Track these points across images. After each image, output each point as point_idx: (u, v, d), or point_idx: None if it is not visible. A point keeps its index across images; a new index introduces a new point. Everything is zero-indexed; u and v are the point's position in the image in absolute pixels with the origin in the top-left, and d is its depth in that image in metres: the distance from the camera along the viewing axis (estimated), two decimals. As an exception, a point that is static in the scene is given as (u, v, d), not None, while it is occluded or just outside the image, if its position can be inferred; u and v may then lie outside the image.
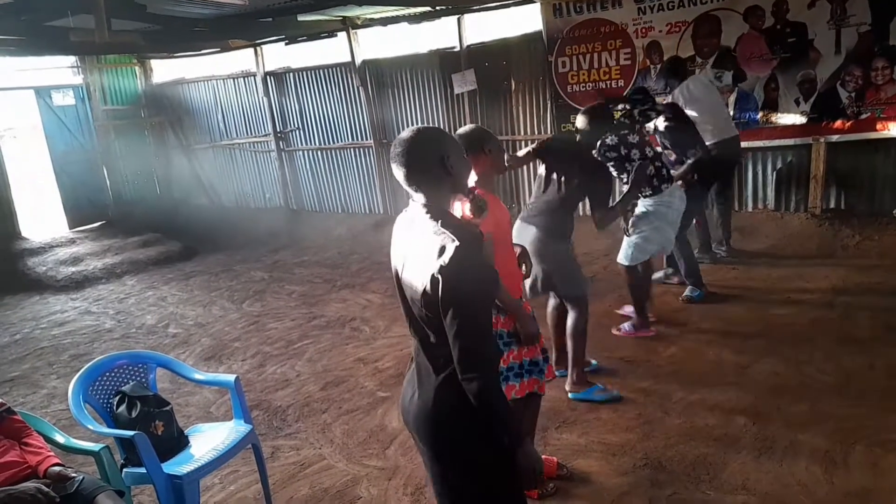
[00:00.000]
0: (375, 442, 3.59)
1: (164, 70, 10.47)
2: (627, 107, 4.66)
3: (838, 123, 5.65)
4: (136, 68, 10.28)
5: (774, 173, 6.15)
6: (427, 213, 1.79)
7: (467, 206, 1.93)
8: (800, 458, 2.98)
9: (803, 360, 3.86)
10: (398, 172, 1.82)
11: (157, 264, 8.25)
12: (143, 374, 3.20)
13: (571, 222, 3.62)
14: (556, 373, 3.70)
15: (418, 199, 1.84)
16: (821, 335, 4.16)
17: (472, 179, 2.68)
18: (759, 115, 5.95)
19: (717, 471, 2.97)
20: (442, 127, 7.76)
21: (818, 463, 2.93)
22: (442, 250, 1.67)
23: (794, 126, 5.85)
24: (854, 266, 5.20)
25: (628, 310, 4.65)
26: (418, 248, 1.77)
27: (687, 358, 4.11)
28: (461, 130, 2.80)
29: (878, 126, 5.48)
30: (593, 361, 4.04)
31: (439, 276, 1.65)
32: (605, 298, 5.17)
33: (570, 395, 3.74)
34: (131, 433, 2.69)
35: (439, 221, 1.74)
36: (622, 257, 4.36)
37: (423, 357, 1.85)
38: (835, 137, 5.71)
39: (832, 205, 5.96)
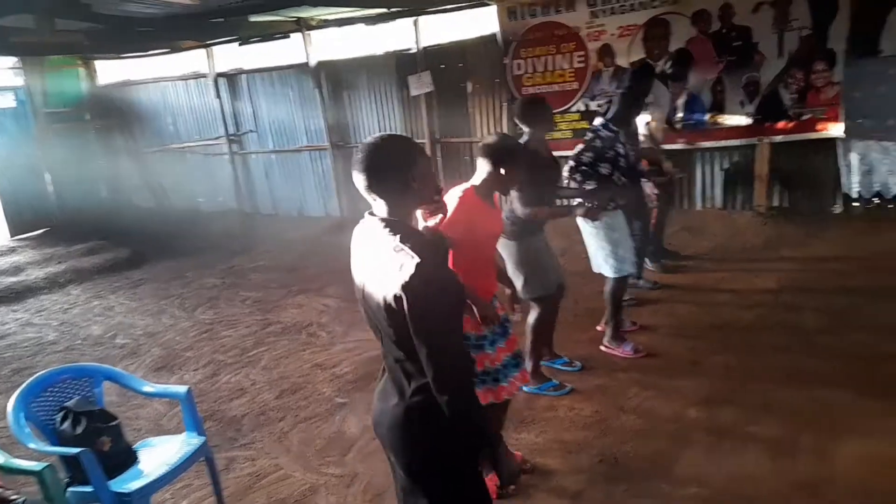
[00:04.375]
0: (334, 449, 3.54)
1: (110, 71, 10.16)
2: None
3: (781, 124, 5.85)
4: (80, 69, 9.95)
5: (722, 173, 6.33)
6: (386, 227, 1.73)
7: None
8: (749, 450, 3.07)
9: (751, 354, 3.97)
10: (359, 179, 1.76)
11: (104, 272, 7.96)
12: (88, 388, 3.09)
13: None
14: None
15: (378, 210, 1.80)
16: (768, 330, 4.29)
17: (473, 181, 2.71)
18: (707, 116, 6.11)
19: (671, 465, 3.03)
20: (399, 128, 7.83)
21: (767, 454, 3.02)
22: (405, 268, 1.62)
23: (739, 127, 6.03)
24: (798, 262, 5.38)
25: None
26: (379, 265, 1.72)
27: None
28: (486, 140, 2.82)
29: (819, 127, 5.70)
30: (577, 363, 4.08)
31: (402, 294, 1.62)
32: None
33: (523, 388, 3.74)
34: (76, 450, 2.60)
35: (398, 237, 1.69)
36: (611, 271, 4.10)
37: (392, 370, 1.83)
38: (778, 138, 5.91)
39: (776, 203, 6.17)
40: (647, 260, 5.52)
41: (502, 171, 2.77)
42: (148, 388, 3.21)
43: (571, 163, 4.05)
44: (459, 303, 1.80)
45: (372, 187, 1.76)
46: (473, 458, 1.87)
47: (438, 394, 1.67)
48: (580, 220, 4.12)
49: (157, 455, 2.92)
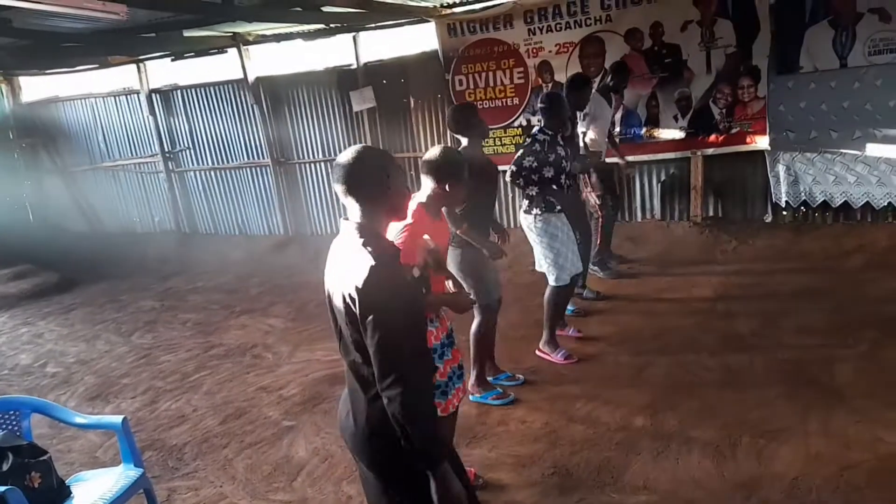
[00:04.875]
0: (281, 475, 3.44)
1: (35, 88, 9.72)
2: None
3: (712, 138, 6.10)
4: (2, 86, 9.49)
5: (659, 185, 6.54)
6: (356, 230, 1.81)
7: (427, 257, 1.95)
8: (693, 454, 3.15)
9: (692, 360, 4.10)
10: (338, 185, 1.84)
11: (32, 298, 7.57)
12: (15, 422, 2.94)
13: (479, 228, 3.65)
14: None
15: (352, 214, 1.85)
16: (706, 335, 4.44)
17: (420, 199, 2.72)
18: (643, 130, 6.32)
19: (620, 473, 3.08)
20: (342, 144, 7.77)
21: (709, 457, 3.11)
22: (362, 266, 1.70)
23: (674, 141, 6.26)
24: (732, 269, 5.61)
25: (569, 331, 4.63)
26: (342, 268, 1.79)
27: (587, 365, 4.25)
28: (429, 154, 2.80)
29: (747, 140, 5.97)
30: (520, 376, 4.10)
31: (356, 296, 1.69)
32: (507, 311, 5.26)
33: (469, 397, 3.80)
34: (2, 489, 2.45)
35: (363, 239, 1.77)
36: (551, 279, 4.18)
37: (353, 377, 1.87)
38: (710, 151, 6.16)
39: (711, 213, 6.42)
40: (596, 269, 5.65)
41: (447, 187, 2.77)
42: (81, 420, 3.07)
43: (513, 167, 4.12)
44: (413, 311, 1.82)
45: (350, 190, 1.82)
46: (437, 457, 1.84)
47: (382, 391, 1.71)
48: (525, 228, 4.20)
49: (92, 490, 2.78)
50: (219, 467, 3.59)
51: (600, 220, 5.59)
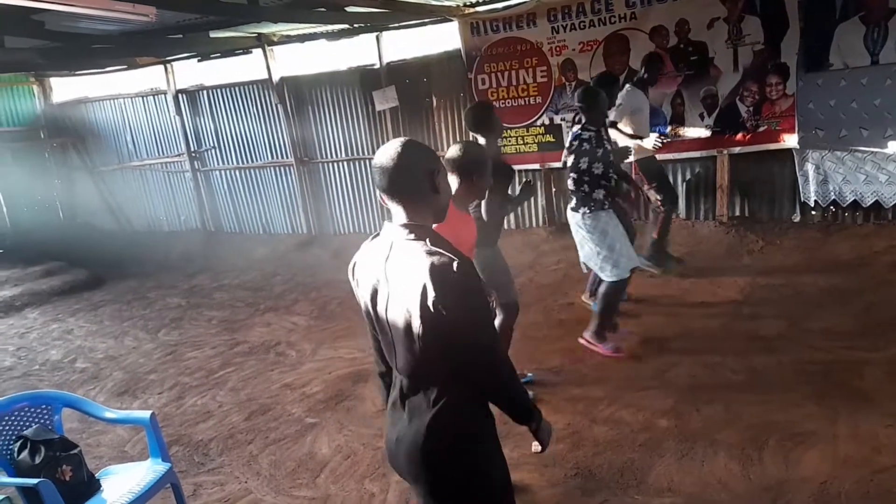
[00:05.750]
0: (305, 471, 3.48)
1: (65, 89, 9.94)
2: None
3: (739, 136, 6.01)
4: (34, 87, 9.72)
5: (684, 184, 6.47)
6: (411, 233, 1.67)
7: None
8: (718, 456, 3.11)
9: (717, 362, 4.04)
10: (382, 182, 1.68)
11: (62, 295, 7.74)
12: (47, 416, 3.00)
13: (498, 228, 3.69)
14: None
15: (397, 216, 1.71)
16: (732, 336, 4.38)
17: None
18: (668, 128, 6.25)
19: (644, 475, 3.05)
20: (365, 144, 7.82)
21: (735, 460, 3.07)
22: (444, 269, 1.57)
23: (699, 139, 6.17)
24: (759, 270, 5.52)
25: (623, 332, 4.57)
26: (407, 273, 1.63)
27: (610, 365, 4.21)
28: (452, 152, 2.85)
29: (775, 138, 5.87)
30: (528, 374, 4.09)
31: (446, 295, 1.57)
32: (529, 310, 5.25)
33: None
34: (35, 481, 2.52)
35: (427, 240, 1.65)
36: (611, 275, 4.10)
37: (413, 393, 1.75)
38: (737, 149, 6.07)
39: (737, 212, 6.33)
40: (649, 265, 5.55)
41: (474, 179, 2.83)
42: (110, 415, 3.12)
43: (573, 175, 4.07)
44: (489, 305, 1.84)
45: (396, 188, 1.68)
46: (503, 471, 1.83)
47: (498, 392, 1.72)
48: (573, 225, 4.18)
49: (121, 483, 2.83)
50: (244, 463, 3.63)
51: (661, 214, 5.53)
